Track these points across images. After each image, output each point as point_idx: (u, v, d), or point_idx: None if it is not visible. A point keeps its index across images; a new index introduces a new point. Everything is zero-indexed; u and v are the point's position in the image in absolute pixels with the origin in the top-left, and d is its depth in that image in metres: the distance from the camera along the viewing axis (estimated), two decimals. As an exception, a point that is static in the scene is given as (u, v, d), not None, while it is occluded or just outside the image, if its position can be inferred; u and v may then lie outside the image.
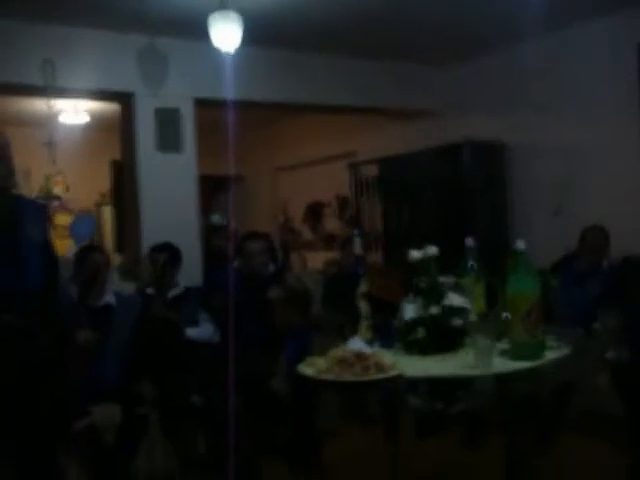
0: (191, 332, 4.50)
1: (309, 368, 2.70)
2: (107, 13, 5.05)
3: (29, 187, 7.78)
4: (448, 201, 6.42)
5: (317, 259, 8.13)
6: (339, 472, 4.14)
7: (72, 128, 7.91)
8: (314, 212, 9.20)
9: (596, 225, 4.90)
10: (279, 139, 9.44)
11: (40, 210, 3.28)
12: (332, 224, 8.93)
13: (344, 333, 3.50)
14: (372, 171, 7.48)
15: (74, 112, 7.66)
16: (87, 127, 8.02)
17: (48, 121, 7.54)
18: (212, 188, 7.92)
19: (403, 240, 6.38)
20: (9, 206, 3.03)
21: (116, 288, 4.55)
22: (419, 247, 3.18)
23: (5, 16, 4.94)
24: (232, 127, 5.12)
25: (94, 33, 5.34)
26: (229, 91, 5.23)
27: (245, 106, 5.87)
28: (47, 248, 3.19)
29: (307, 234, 9.36)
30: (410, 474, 3.61)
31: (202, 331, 4.55)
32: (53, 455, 3.15)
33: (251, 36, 4.91)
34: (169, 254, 4.68)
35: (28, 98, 6.86)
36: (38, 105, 7.27)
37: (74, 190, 8.98)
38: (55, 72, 5.16)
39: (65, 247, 6.50)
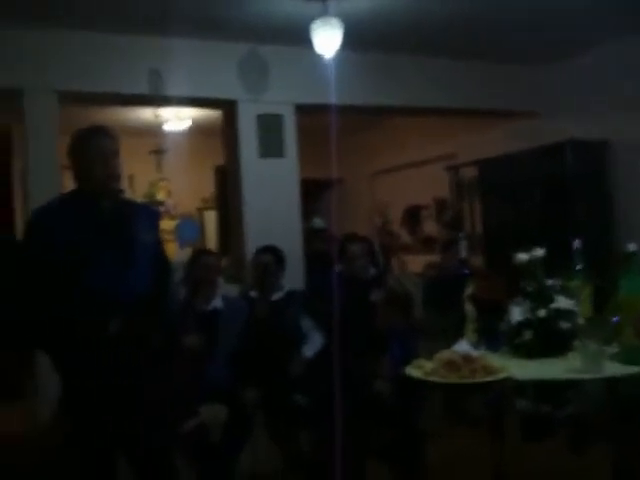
0: (308, 352, 4.55)
1: (416, 370, 2.72)
2: (210, 23, 5.17)
3: (133, 193, 8.02)
4: (551, 202, 6.30)
5: (415, 262, 8.12)
6: (442, 474, 4.13)
7: (175, 135, 8.12)
8: (412, 215, 9.18)
9: None
10: (377, 143, 9.45)
11: (152, 216, 3.38)
12: (430, 227, 8.89)
13: (447, 336, 3.50)
14: (471, 173, 7.43)
15: (176, 119, 7.86)
16: (188, 133, 8.20)
17: (154, 129, 7.78)
18: (311, 192, 7.99)
19: (504, 242, 6.29)
20: (123, 211, 3.15)
21: (221, 291, 4.66)
22: (521, 249, 3.16)
23: (114, 30, 5.14)
24: (333, 131, 5.18)
25: (198, 43, 5.48)
26: (330, 96, 5.30)
27: (345, 110, 5.91)
28: (159, 253, 3.29)
29: (405, 237, 9.35)
30: (515, 478, 3.57)
31: (314, 343, 4.59)
32: (168, 456, 3.23)
33: (350, 41, 4.96)
34: (273, 257, 4.75)
35: (135, 108, 7.09)
36: (143, 114, 7.51)
37: (176, 195, 9.24)
38: (161, 81, 5.32)
39: (169, 251, 6.70)
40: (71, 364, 2.96)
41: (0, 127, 7.81)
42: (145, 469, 3.13)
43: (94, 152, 3.04)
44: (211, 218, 9.28)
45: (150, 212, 3.41)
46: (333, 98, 5.22)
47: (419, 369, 2.73)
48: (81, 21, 4.97)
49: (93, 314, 2.92)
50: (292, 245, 5.49)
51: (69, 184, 3.73)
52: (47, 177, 4.97)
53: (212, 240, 8.89)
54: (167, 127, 7.90)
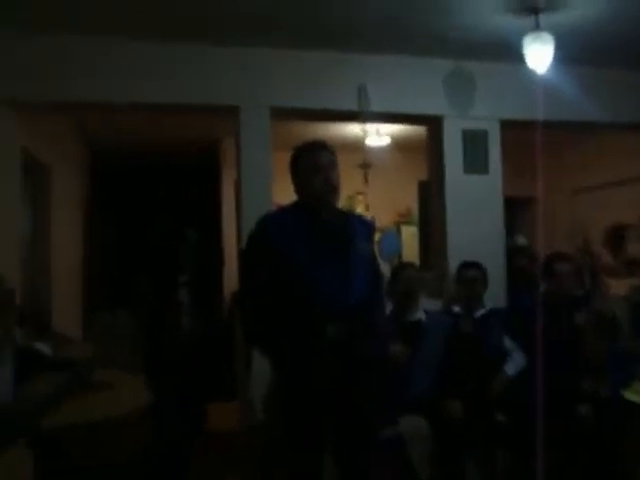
0: (509, 370, 4.49)
1: (635, 395, 2.63)
2: (416, 39, 5.23)
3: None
4: None
5: (617, 285, 7.77)
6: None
7: (374, 150, 8.27)
8: (615, 235, 8.78)
9: None
10: (579, 159, 9.17)
11: (368, 226, 3.46)
12: (635, 248, 8.48)
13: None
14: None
15: (377, 135, 8.00)
16: (387, 149, 8.33)
17: (354, 144, 7.95)
18: (510, 209, 7.87)
19: None
20: (341, 222, 3.25)
21: (423, 305, 4.69)
22: None
23: (322, 47, 5.32)
24: (539, 148, 5.09)
25: (403, 59, 5.55)
26: (536, 112, 5.22)
27: (549, 126, 5.79)
28: (372, 263, 3.38)
29: (606, 258, 8.97)
30: None
31: (516, 362, 4.52)
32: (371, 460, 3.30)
33: (558, 54, 4.85)
34: (478, 272, 4.73)
35: (337, 123, 7.28)
36: (343, 129, 7.71)
37: (373, 209, 9.37)
38: (368, 97, 5.44)
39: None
40: (290, 366, 3.10)
41: (211, 140, 8.32)
42: (350, 469, 3.21)
43: (313, 165, 3.18)
44: (408, 232, 9.35)
45: (366, 223, 3.49)
46: (541, 114, 5.13)
47: (637, 394, 2.64)
48: (290, 40, 5.18)
49: (312, 320, 3.04)
50: (495, 262, 5.41)
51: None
52: (260, 189, 5.20)
53: (409, 254, 8.94)
54: (368, 142, 8.05)
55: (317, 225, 3.17)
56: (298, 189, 3.25)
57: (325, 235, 3.16)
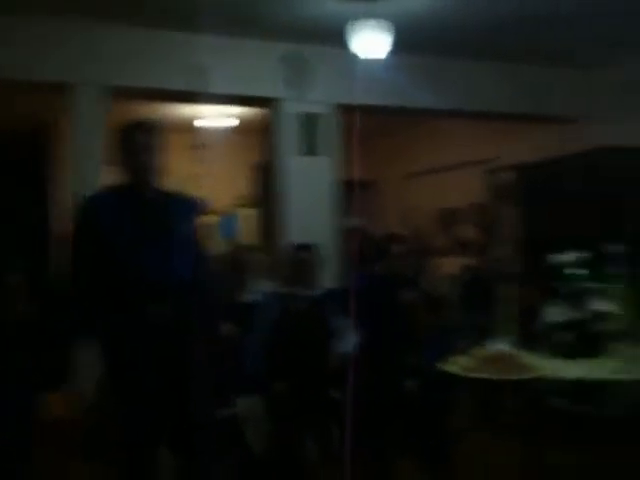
0: (344, 348, 4.57)
1: (452, 366, 2.76)
2: (255, 23, 5.25)
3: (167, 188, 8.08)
4: (590, 208, 6.21)
5: (449, 265, 8.10)
6: (470, 474, 4.13)
7: (212, 132, 8.20)
8: (447, 218, 9.17)
9: None
10: (413, 145, 9.46)
11: (189, 206, 3.44)
12: (465, 230, 8.87)
13: (483, 335, 3.53)
14: (510, 178, 7.39)
15: (215, 117, 7.94)
16: (225, 131, 8.28)
17: (192, 126, 7.86)
18: (345, 192, 8.03)
19: (543, 247, 6.24)
20: (161, 202, 3.24)
21: (258, 286, 4.71)
22: (561, 253, 3.18)
23: (158, 26, 5.26)
24: (371, 133, 5.21)
25: (243, 42, 5.57)
26: (371, 97, 5.32)
27: (385, 112, 5.93)
28: (195, 243, 3.37)
29: (439, 240, 9.34)
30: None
31: (349, 341, 4.60)
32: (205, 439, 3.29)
33: (394, 42, 4.97)
34: (311, 254, 4.79)
35: (175, 104, 7.16)
36: (182, 110, 7.60)
37: (211, 192, 9.27)
38: (205, 78, 5.38)
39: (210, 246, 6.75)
40: (114, 346, 3.07)
41: (41, 121, 7.98)
42: (184, 448, 3.21)
43: (131, 145, 3.17)
44: (247, 215, 9.36)
45: (187, 202, 3.46)
46: (372, 99, 5.25)
47: (455, 365, 2.77)
48: (128, 17, 5.08)
49: (133, 301, 3.03)
50: (329, 243, 5.53)
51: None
52: (89, 170, 5.06)
53: (248, 236, 8.93)
54: (206, 124, 7.98)
55: (138, 205, 3.17)
56: (121, 169, 3.22)
57: (145, 215, 3.17)
